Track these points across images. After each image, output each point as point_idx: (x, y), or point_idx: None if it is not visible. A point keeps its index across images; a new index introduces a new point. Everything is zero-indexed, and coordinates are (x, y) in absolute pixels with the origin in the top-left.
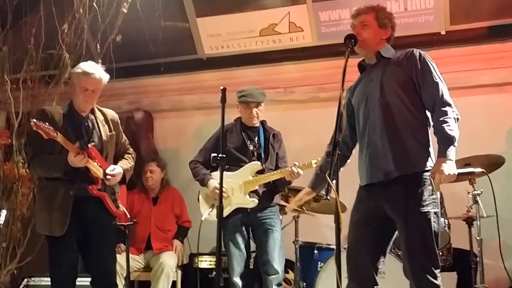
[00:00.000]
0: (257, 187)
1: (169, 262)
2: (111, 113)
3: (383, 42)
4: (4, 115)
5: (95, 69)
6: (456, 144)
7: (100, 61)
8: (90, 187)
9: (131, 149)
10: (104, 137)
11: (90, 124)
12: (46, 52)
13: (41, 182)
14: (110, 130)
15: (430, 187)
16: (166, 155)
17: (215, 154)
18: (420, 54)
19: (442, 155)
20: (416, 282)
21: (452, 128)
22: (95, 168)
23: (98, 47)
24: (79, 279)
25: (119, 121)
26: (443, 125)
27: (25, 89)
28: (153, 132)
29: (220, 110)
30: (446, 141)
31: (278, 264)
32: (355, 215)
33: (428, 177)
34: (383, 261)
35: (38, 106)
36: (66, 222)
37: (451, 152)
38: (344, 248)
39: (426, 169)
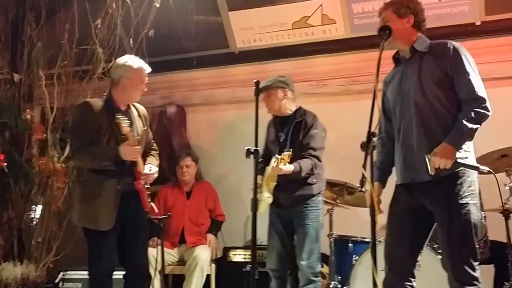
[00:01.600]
0: (273, 183)
1: (203, 256)
2: (143, 109)
3: (413, 33)
4: (39, 110)
5: (144, 63)
6: (469, 137)
7: (133, 55)
8: (136, 182)
9: (155, 145)
10: (140, 132)
11: (129, 119)
12: (79, 47)
13: (81, 176)
14: (143, 126)
15: (469, 179)
16: (198, 149)
17: (249, 147)
18: (454, 47)
19: (446, 139)
20: (454, 274)
21: (471, 121)
22: (141, 163)
23: (131, 42)
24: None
25: (147, 117)
26: (464, 117)
27: (59, 84)
28: (185, 126)
29: (252, 104)
30: (458, 130)
31: (306, 259)
32: (393, 206)
33: (465, 171)
34: (421, 253)
35: (72, 101)
36: (113, 216)
37: (458, 141)
38: (380, 241)
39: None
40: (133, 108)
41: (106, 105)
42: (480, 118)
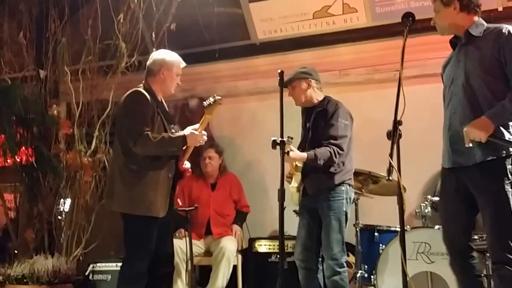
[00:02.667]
0: (298, 173)
1: (229, 246)
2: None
3: (465, 17)
4: (65, 105)
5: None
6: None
7: (154, 49)
8: (187, 172)
9: None
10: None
11: (167, 110)
12: (103, 42)
13: (132, 164)
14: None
15: (511, 166)
16: (222, 141)
17: (274, 138)
18: (509, 33)
19: (486, 113)
20: (494, 258)
21: None
22: (187, 155)
23: (153, 36)
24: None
25: None
26: (510, 95)
27: (84, 79)
28: None
29: (274, 95)
30: (499, 106)
31: (329, 250)
32: (442, 190)
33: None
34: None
35: (97, 96)
36: (167, 203)
37: (497, 116)
38: (407, 230)
39: (504, 154)
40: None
41: (152, 96)
42: None
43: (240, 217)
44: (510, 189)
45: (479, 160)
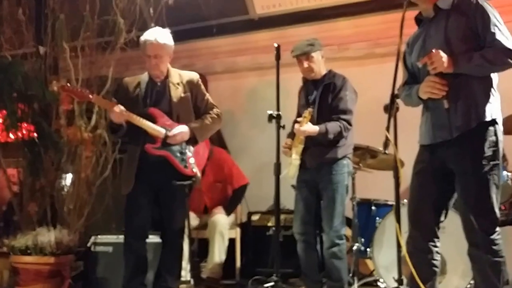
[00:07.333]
0: (301, 145)
1: (220, 220)
2: (189, 75)
3: None
4: (65, 81)
5: (155, 35)
6: (477, 67)
7: (153, 25)
8: (147, 146)
9: (215, 109)
10: (174, 99)
11: (161, 89)
12: (101, 18)
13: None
14: (184, 92)
15: (491, 139)
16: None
17: (271, 112)
18: (477, 2)
19: (460, 55)
20: (469, 237)
21: (485, 53)
22: (150, 129)
23: (151, 11)
24: (150, 236)
25: (199, 82)
26: (488, 50)
27: (83, 56)
28: None
29: (274, 70)
30: (471, 56)
31: (330, 222)
32: (416, 167)
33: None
34: (445, 214)
35: (96, 72)
36: (131, 181)
37: (462, 61)
38: (403, 204)
39: (487, 119)
40: (173, 77)
41: (148, 79)
42: (497, 60)
43: (236, 198)
44: (490, 163)
45: (461, 129)
